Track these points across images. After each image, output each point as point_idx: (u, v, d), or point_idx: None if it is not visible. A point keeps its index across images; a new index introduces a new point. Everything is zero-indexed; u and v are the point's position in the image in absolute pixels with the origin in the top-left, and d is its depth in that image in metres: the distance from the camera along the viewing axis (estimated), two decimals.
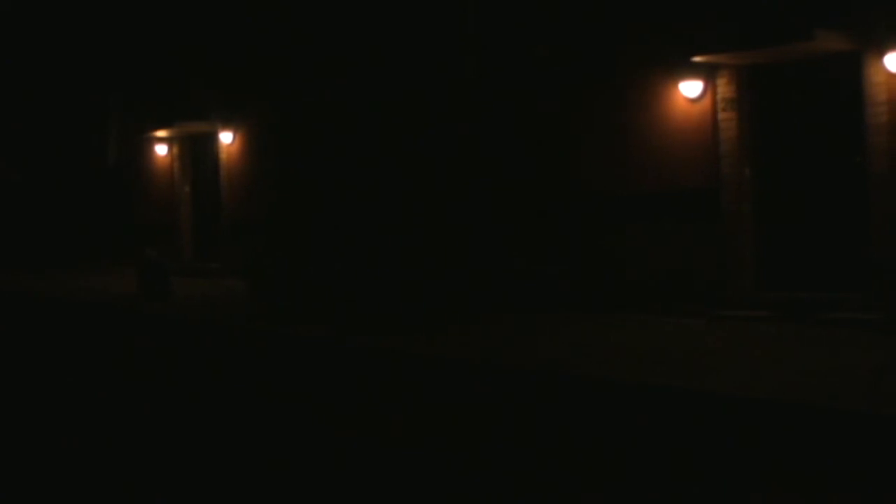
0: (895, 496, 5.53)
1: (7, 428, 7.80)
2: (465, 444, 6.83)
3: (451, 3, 14.98)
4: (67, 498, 5.89)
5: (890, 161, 10.54)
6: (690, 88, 12.05)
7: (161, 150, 21.25)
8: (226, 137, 19.49)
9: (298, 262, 17.61)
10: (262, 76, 18.53)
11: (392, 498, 5.71)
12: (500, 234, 14.30)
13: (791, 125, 11.72)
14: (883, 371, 7.92)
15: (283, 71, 18.02)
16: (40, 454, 6.86)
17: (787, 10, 11.06)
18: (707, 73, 11.90)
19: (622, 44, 12.90)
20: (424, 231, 15.34)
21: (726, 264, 11.84)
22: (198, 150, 20.85)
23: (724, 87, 11.83)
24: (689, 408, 7.40)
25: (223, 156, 19.72)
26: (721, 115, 11.87)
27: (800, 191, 11.61)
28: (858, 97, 10.79)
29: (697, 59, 11.64)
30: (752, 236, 11.85)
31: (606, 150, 13.05)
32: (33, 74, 23.95)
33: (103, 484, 6.11)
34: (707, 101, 11.99)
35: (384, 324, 12.17)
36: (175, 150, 21.15)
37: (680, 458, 6.30)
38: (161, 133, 20.77)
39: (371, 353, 10.31)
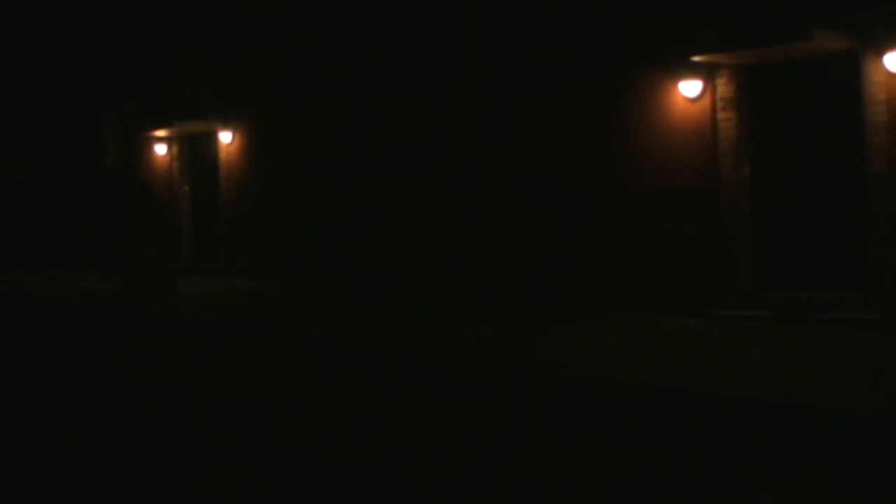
0: (895, 496, 5.54)
1: (7, 423, 7.82)
2: (466, 443, 6.84)
3: (451, 3, 14.99)
4: (68, 498, 5.90)
5: (889, 161, 10.56)
6: (690, 88, 12.06)
7: (160, 149, 21.27)
8: (225, 137, 19.51)
9: (300, 262, 17.65)
10: (262, 76, 18.55)
11: (393, 498, 5.72)
12: (500, 234, 14.32)
13: (790, 125, 11.74)
14: (882, 371, 7.93)
15: (283, 71, 18.04)
16: (40, 450, 6.88)
17: (786, 9, 11.07)
18: (706, 72, 11.92)
19: (622, 44, 12.91)
20: (424, 231, 15.36)
21: (725, 264, 11.86)
22: (197, 150, 20.87)
23: (723, 87, 11.85)
24: (688, 408, 7.40)
25: (222, 155, 19.75)
26: (720, 115, 11.88)
27: (799, 190, 11.62)
28: (857, 97, 10.81)
29: (697, 58, 11.66)
30: (751, 236, 11.87)
31: (606, 149, 13.06)
32: (33, 74, 23.94)
33: (102, 483, 6.11)
34: (706, 101, 12.00)
35: (384, 324, 12.18)
36: (174, 149, 21.17)
37: (680, 458, 6.31)
38: (160, 132, 20.79)
39: (371, 353, 10.31)
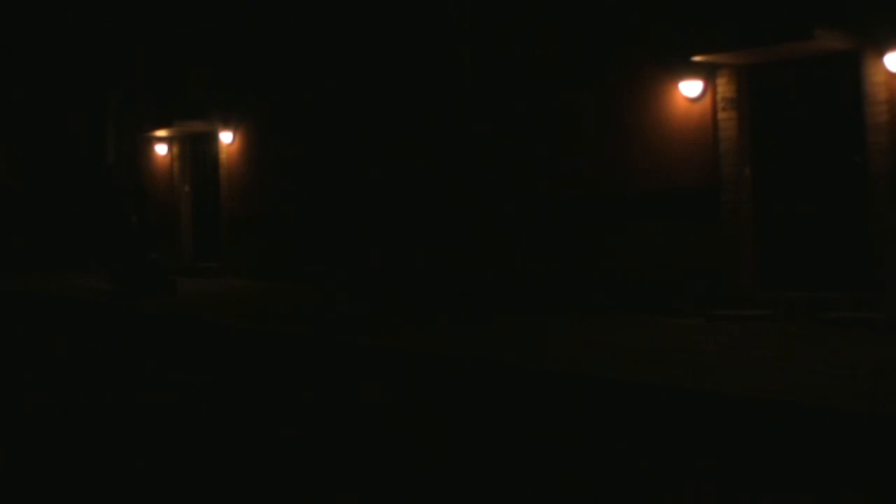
0: (894, 496, 5.53)
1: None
2: (463, 443, 6.83)
3: (451, 2, 14.98)
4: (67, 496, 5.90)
5: (890, 160, 10.54)
6: (690, 88, 12.06)
7: (161, 149, 21.27)
8: (226, 137, 19.51)
9: (301, 262, 17.65)
10: (262, 76, 18.55)
11: (396, 498, 5.71)
12: (499, 234, 14.31)
13: (791, 125, 11.73)
14: (883, 371, 7.91)
15: (284, 71, 18.04)
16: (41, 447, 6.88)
17: (786, 9, 11.06)
18: (707, 72, 11.91)
19: (622, 44, 12.91)
20: (425, 231, 15.35)
21: (726, 264, 11.84)
22: (198, 150, 20.87)
23: (723, 87, 11.84)
24: (688, 408, 7.39)
25: (223, 155, 19.74)
26: (721, 115, 11.87)
27: (799, 190, 11.61)
28: (858, 96, 10.80)
29: (697, 58, 11.65)
30: (752, 235, 11.86)
31: (607, 149, 13.05)
32: (34, 75, 23.94)
33: (97, 481, 6.11)
34: (707, 101, 11.99)
35: (382, 323, 12.16)
36: (175, 149, 21.16)
37: (679, 458, 6.30)
38: (161, 132, 20.78)
39: (369, 351, 10.31)
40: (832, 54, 11.07)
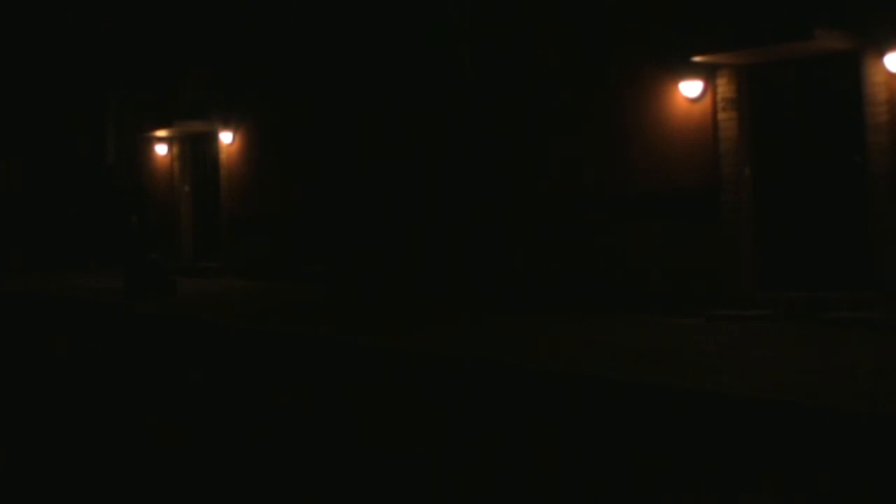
0: (894, 496, 5.52)
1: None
2: (463, 443, 6.83)
3: (451, 2, 14.98)
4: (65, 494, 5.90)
5: (890, 160, 10.54)
6: (690, 88, 12.06)
7: (161, 149, 21.27)
8: (226, 137, 19.51)
9: (301, 262, 17.66)
10: (262, 76, 18.54)
11: (397, 497, 5.71)
12: (499, 234, 14.31)
13: (791, 125, 11.73)
14: (883, 371, 7.91)
15: (284, 71, 18.04)
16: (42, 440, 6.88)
17: (786, 9, 11.06)
18: (707, 72, 11.91)
19: (622, 44, 12.91)
20: (424, 231, 15.35)
21: (726, 264, 11.84)
22: (198, 150, 20.87)
23: (724, 87, 11.84)
24: (688, 408, 7.38)
25: (223, 156, 19.75)
26: (721, 115, 11.87)
27: (799, 190, 11.61)
28: (858, 97, 10.80)
29: (697, 58, 11.65)
30: (752, 236, 11.86)
31: (607, 150, 13.05)
32: (33, 75, 23.94)
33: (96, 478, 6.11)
34: (707, 101, 11.99)
35: (382, 323, 12.16)
36: (175, 149, 21.16)
37: (678, 458, 6.29)
38: (161, 132, 20.78)
39: (369, 351, 10.30)
40: (832, 54, 11.07)
